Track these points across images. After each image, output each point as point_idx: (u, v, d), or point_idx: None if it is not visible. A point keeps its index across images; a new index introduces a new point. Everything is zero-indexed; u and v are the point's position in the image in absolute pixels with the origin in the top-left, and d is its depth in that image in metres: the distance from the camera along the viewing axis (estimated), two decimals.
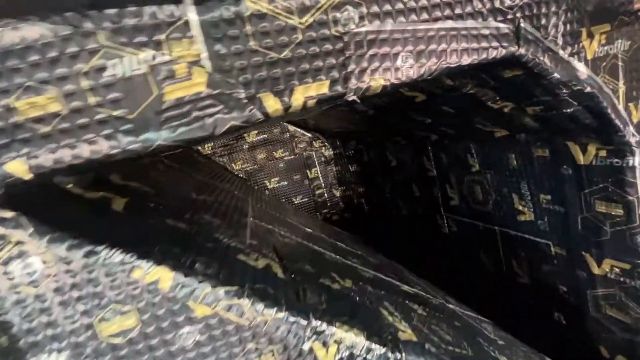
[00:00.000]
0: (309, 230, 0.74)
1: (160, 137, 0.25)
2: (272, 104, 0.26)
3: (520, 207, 0.63)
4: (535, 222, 0.61)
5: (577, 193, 0.51)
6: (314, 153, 1.35)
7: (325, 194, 1.39)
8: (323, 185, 1.38)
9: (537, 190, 0.58)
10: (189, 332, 0.28)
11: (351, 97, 0.28)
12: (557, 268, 0.60)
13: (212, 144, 1.23)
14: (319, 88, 0.27)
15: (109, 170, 0.38)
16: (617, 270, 0.49)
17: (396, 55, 0.29)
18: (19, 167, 0.23)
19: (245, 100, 0.26)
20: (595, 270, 0.52)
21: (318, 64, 0.27)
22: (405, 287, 0.62)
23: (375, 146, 1.13)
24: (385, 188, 1.16)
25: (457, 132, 0.69)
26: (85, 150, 0.24)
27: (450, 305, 0.63)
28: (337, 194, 1.40)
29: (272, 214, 0.73)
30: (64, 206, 0.30)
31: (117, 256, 0.27)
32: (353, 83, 0.28)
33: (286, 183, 1.33)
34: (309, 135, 1.33)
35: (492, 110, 0.50)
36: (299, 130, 1.33)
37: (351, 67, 0.28)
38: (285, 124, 1.30)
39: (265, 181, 1.31)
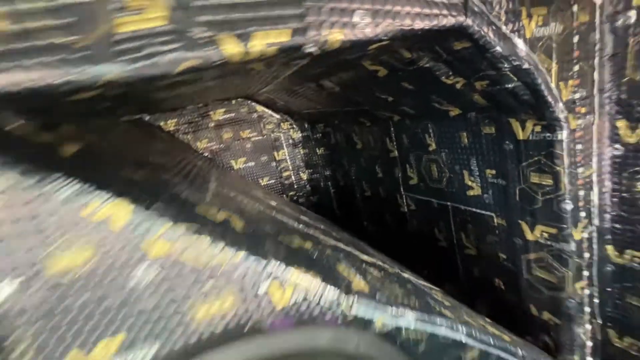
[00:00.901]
0: (273, 202, 0.75)
1: (110, 71, 0.25)
2: (231, 47, 0.27)
3: (470, 183, 0.68)
4: (482, 196, 0.67)
5: (516, 166, 0.56)
6: (282, 135, 1.35)
7: (293, 177, 1.40)
8: (290, 167, 1.39)
9: (484, 165, 0.63)
10: (143, 271, 0.28)
11: (310, 49, 0.30)
12: (499, 238, 0.67)
13: (176, 119, 1.19)
14: (279, 36, 0.28)
15: (62, 119, 0.36)
16: (545, 234, 0.56)
17: (353, 11, 0.30)
18: None
19: (203, 40, 0.26)
20: (529, 236, 0.59)
21: (278, 12, 0.28)
22: (364, 257, 0.65)
23: (342, 129, 1.15)
24: (351, 170, 1.20)
25: (417, 111, 0.72)
26: (24, 77, 0.23)
27: (405, 274, 0.67)
28: (304, 176, 1.42)
29: (236, 185, 0.73)
30: (7, 146, 0.29)
31: (64, 193, 0.27)
32: (312, 34, 0.29)
33: (253, 164, 1.32)
34: (277, 116, 1.33)
35: (446, 86, 0.54)
36: (267, 110, 1.32)
37: (310, 18, 0.29)
38: (253, 103, 1.29)
39: (232, 161, 1.29)
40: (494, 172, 0.62)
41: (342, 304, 0.35)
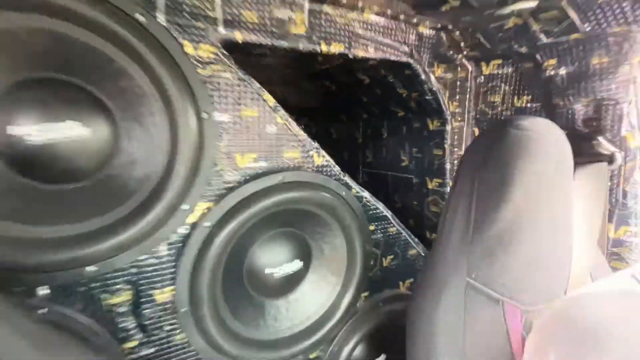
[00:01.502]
0: None
1: None
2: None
3: (403, 157, 1.15)
4: (408, 166, 1.13)
5: (427, 145, 1.04)
6: None
7: None
8: None
9: (411, 146, 1.10)
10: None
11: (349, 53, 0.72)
12: (414, 192, 1.13)
13: None
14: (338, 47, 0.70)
15: None
16: (436, 184, 1.03)
17: (368, 41, 0.73)
18: None
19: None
20: (429, 186, 1.06)
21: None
22: None
23: (323, 122, 1.58)
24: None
25: (380, 111, 1.19)
26: None
27: None
28: None
29: None
30: None
31: None
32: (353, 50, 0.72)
33: None
34: None
35: (399, 95, 1.00)
36: None
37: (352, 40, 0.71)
38: None
39: None
40: (416, 149, 1.09)
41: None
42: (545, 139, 0.55)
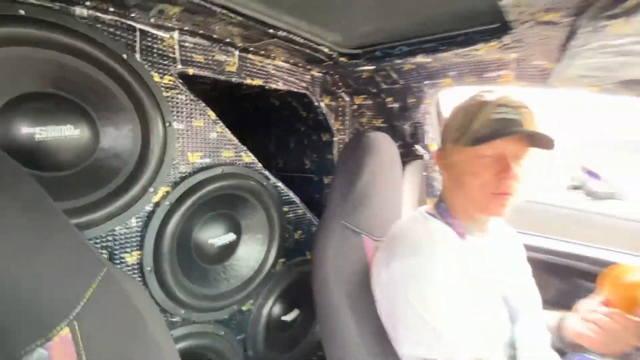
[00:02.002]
0: None
1: None
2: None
3: (305, 162, 1.53)
4: (310, 167, 1.51)
5: (323, 152, 1.44)
6: None
7: None
8: None
9: (311, 153, 1.49)
10: None
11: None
12: (315, 187, 1.51)
13: None
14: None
15: None
16: (329, 180, 1.43)
17: (279, 78, 1.08)
18: None
19: None
20: (325, 181, 1.45)
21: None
22: None
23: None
24: None
25: (287, 128, 1.55)
26: None
27: None
28: None
29: None
30: None
31: None
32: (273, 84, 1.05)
33: None
34: None
35: (300, 115, 1.37)
36: None
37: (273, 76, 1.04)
38: None
39: None
40: (315, 155, 1.48)
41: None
42: (382, 144, 0.98)
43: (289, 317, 1.24)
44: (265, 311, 1.13)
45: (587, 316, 0.77)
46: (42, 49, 0.63)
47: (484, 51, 0.79)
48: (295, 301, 1.25)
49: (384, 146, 0.98)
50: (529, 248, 1.00)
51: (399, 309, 0.70)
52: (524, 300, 0.77)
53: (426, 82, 1.09)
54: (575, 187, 4.08)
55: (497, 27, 0.65)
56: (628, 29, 0.46)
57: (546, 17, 0.55)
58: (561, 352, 0.95)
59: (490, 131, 0.65)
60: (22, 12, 0.60)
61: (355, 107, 1.38)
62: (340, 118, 1.38)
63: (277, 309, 1.21)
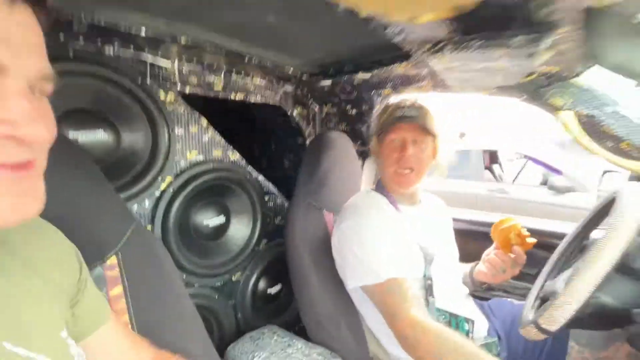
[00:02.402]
0: None
1: None
2: None
3: (285, 161, 1.79)
4: (289, 166, 1.78)
5: (299, 153, 1.71)
6: None
7: None
8: None
9: (290, 154, 1.76)
10: None
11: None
12: (291, 181, 1.78)
13: None
14: None
15: None
16: None
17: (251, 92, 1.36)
18: None
19: None
20: None
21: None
22: None
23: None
24: None
25: (268, 133, 1.82)
26: None
27: None
28: None
29: None
30: None
31: None
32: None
33: None
34: None
35: (278, 123, 1.65)
36: None
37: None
38: None
39: None
40: (292, 155, 1.75)
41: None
42: (338, 140, 1.26)
43: (273, 290, 1.49)
44: (251, 282, 1.38)
45: (485, 258, 1.05)
46: (82, 77, 0.90)
47: (402, 69, 1.09)
48: (279, 277, 1.50)
49: (340, 142, 1.27)
50: (461, 220, 1.29)
51: (345, 256, 0.96)
52: (441, 249, 1.05)
53: (372, 92, 1.38)
54: (542, 183, 4.44)
55: (402, 53, 0.94)
56: (466, 57, 0.75)
57: (428, 48, 0.84)
58: (482, 298, 1.23)
59: (389, 123, 0.94)
60: (70, 54, 0.87)
61: (323, 115, 1.67)
62: (311, 124, 1.67)
63: (262, 283, 1.46)
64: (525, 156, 4.46)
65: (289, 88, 1.50)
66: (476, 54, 0.66)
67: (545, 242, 1.25)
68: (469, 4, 0.57)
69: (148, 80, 1.03)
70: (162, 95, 1.06)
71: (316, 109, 1.66)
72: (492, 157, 5.24)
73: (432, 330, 0.73)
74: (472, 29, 0.68)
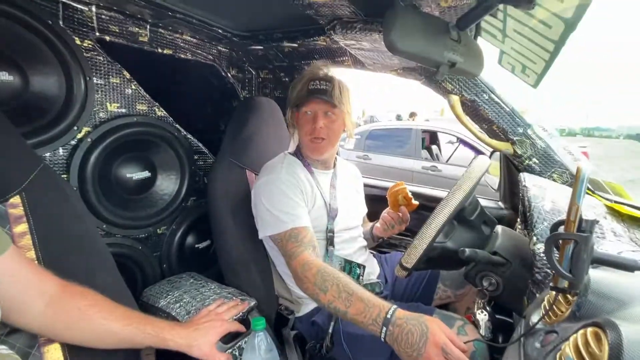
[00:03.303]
0: None
1: None
2: None
3: (220, 123, 1.82)
4: (224, 128, 1.81)
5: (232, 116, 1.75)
6: None
7: None
8: None
9: (224, 116, 1.79)
10: None
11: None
12: None
13: None
14: None
15: None
16: None
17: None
18: None
19: None
20: None
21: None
22: None
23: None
24: None
25: (203, 95, 1.82)
26: None
27: None
28: None
29: None
30: None
31: None
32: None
33: None
34: None
35: (212, 83, 1.66)
36: None
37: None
38: None
39: None
40: (227, 118, 1.78)
41: None
42: (266, 105, 1.33)
43: (201, 245, 1.58)
44: (177, 236, 1.45)
45: (381, 217, 1.23)
46: None
47: (324, 42, 1.17)
48: (208, 234, 1.58)
49: (267, 107, 1.34)
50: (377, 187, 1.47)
51: (258, 207, 1.07)
52: (346, 207, 1.20)
53: (303, 62, 1.46)
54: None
55: (320, 27, 1.02)
56: (353, 36, 0.86)
57: (332, 24, 0.93)
58: (382, 252, 1.43)
59: (303, 96, 1.04)
60: None
61: (260, 80, 1.71)
62: (247, 88, 1.70)
63: (191, 238, 1.54)
64: (458, 139, 4.91)
65: (222, 48, 1.51)
66: (360, 34, 0.77)
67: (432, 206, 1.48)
68: None
69: (60, 22, 0.99)
70: (77, 40, 1.03)
71: (253, 73, 1.69)
72: (432, 139, 5.67)
73: (315, 267, 0.88)
74: (366, 12, 0.78)
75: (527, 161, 1.15)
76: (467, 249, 0.80)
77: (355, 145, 5.44)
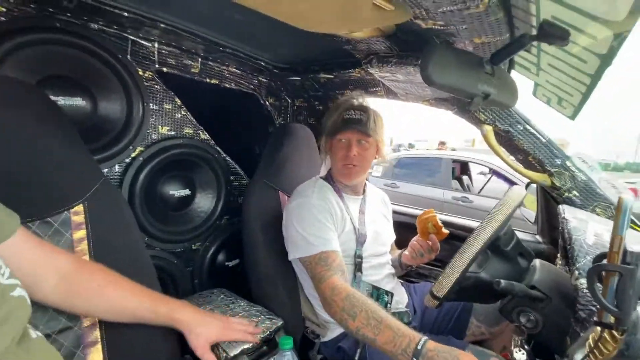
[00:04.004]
0: None
1: None
2: None
3: (255, 147, 1.92)
4: (259, 152, 1.91)
5: (267, 141, 1.84)
6: None
7: None
8: None
9: (260, 141, 1.89)
10: None
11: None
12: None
13: None
14: None
15: None
16: None
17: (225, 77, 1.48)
18: None
19: None
20: None
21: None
22: None
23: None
24: None
25: (242, 120, 1.94)
26: None
27: None
28: None
29: None
30: None
31: None
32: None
33: None
34: None
35: (250, 110, 1.78)
36: None
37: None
38: None
39: None
40: (262, 143, 1.88)
41: None
42: (299, 131, 1.40)
43: (231, 263, 1.62)
44: (210, 252, 1.51)
45: (410, 244, 1.22)
46: (67, 48, 1.00)
47: (358, 74, 1.24)
48: (238, 252, 1.63)
49: (300, 133, 1.41)
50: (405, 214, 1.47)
51: (289, 231, 1.10)
52: (375, 234, 1.21)
53: (337, 92, 1.53)
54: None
55: (356, 60, 1.09)
56: (389, 69, 0.91)
57: (369, 58, 0.99)
58: (411, 282, 1.41)
59: (338, 125, 1.10)
60: (57, 24, 0.97)
61: (295, 107, 1.81)
62: (283, 115, 1.80)
63: (222, 256, 1.59)
64: (491, 170, 4.76)
65: (262, 79, 1.63)
66: (395, 68, 0.82)
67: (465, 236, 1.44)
68: (387, 29, 0.73)
69: (128, 57, 1.14)
70: (140, 71, 1.17)
71: (289, 101, 1.79)
72: (463, 169, 5.54)
73: (344, 292, 0.88)
74: (400, 48, 0.84)
75: (566, 194, 1.11)
76: (502, 280, 0.78)
77: (384, 173, 5.42)
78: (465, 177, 5.44)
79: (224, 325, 0.88)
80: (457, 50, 0.61)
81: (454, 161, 5.13)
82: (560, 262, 1.07)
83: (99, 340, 0.78)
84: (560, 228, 1.00)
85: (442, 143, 8.50)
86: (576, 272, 0.72)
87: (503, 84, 0.64)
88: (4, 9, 0.88)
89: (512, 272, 0.88)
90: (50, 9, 0.94)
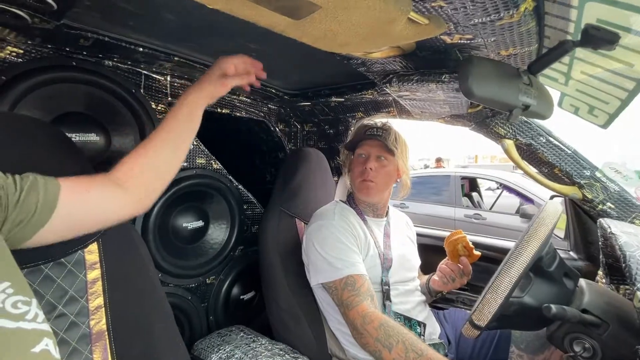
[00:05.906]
0: None
1: None
2: None
3: (266, 174, 1.90)
4: (270, 179, 1.88)
5: (278, 167, 1.82)
6: None
7: None
8: None
9: (270, 167, 1.87)
10: None
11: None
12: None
13: None
14: None
15: None
16: None
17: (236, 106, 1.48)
18: None
19: None
20: None
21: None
22: None
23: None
24: None
25: (251, 149, 1.93)
26: None
27: None
28: None
29: None
30: None
31: None
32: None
33: None
34: None
35: (261, 138, 1.77)
36: None
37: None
38: None
39: None
40: (273, 169, 1.86)
41: None
42: (313, 155, 1.38)
43: (246, 296, 1.55)
44: (225, 286, 1.44)
45: (439, 268, 1.16)
46: (82, 85, 1.00)
47: (371, 95, 1.23)
48: (253, 284, 1.56)
49: (314, 157, 1.39)
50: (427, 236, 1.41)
51: (309, 253, 1.05)
52: (400, 258, 1.14)
53: (347, 114, 1.52)
54: (517, 212, 4.64)
55: (369, 81, 1.08)
56: (409, 88, 0.89)
57: (387, 78, 0.98)
58: (440, 308, 1.32)
59: (359, 137, 1.08)
60: (73, 62, 0.98)
61: (305, 132, 1.80)
62: (293, 140, 1.79)
63: (237, 289, 1.52)
64: (501, 185, 4.68)
65: (273, 106, 1.63)
66: (416, 85, 0.80)
67: (496, 257, 1.37)
68: (408, 48, 0.71)
69: (142, 91, 1.14)
70: (153, 105, 1.17)
71: (298, 126, 1.79)
72: (472, 185, 5.47)
73: (377, 320, 0.81)
74: (418, 66, 0.82)
75: (600, 206, 1.05)
76: (552, 306, 0.71)
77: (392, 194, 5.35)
78: (475, 194, 5.36)
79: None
80: (494, 62, 0.59)
81: (463, 178, 5.07)
82: (603, 281, 1.00)
83: (106, 338, 0.74)
84: (601, 244, 0.94)
85: (439, 160, 8.26)
86: (638, 294, 0.65)
87: (541, 94, 0.61)
88: (22, 51, 0.89)
89: (558, 295, 0.81)
90: (67, 49, 0.95)
